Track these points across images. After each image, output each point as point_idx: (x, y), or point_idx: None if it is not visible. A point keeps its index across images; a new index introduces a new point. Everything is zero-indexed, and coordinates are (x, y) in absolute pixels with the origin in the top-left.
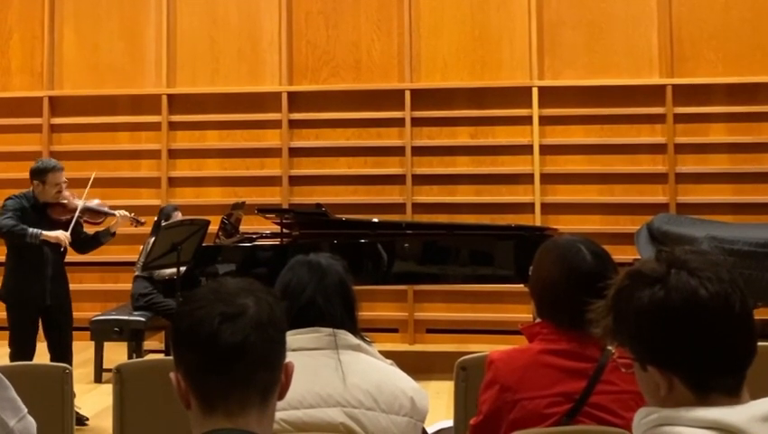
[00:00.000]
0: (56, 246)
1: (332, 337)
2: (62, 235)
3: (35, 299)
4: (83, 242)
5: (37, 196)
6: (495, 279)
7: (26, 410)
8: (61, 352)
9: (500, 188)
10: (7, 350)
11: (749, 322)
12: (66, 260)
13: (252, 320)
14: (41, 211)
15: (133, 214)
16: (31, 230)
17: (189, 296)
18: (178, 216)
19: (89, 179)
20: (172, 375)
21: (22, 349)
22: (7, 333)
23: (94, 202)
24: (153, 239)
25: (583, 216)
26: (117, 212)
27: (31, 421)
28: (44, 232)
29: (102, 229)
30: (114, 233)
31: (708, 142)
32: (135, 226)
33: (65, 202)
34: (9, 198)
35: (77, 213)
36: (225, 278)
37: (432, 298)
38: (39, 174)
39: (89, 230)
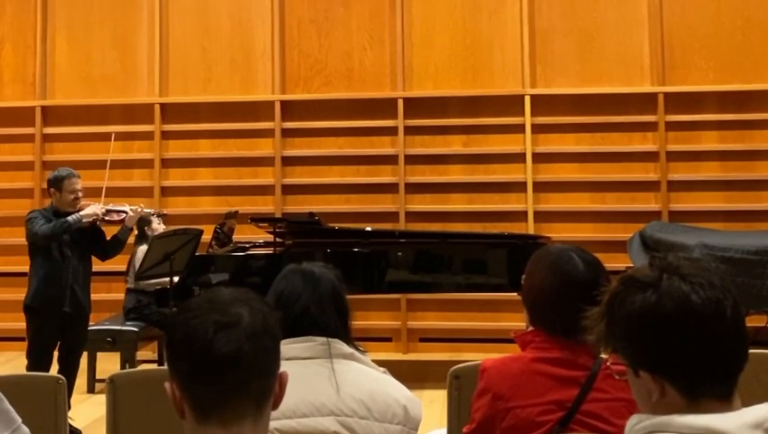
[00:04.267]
0: (84, 254)
1: (326, 346)
2: (97, 208)
3: (54, 306)
4: (106, 246)
5: (56, 206)
6: (488, 288)
7: (20, 420)
8: (70, 363)
9: (492, 196)
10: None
11: (741, 328)
12: None
13: (246, 330)
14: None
15: (153, 210)
16: (70, 218)
17: (183, 305)
18: (156, 221)
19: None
20: (166, 385)
21: (39, 361)
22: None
23: (112, 205)
24: (140, 248)
25: (575, 224)
26: (137, 208)
27: (25, 431)
28: (82, 214)
29: (119, 228)
30: (131, 229)
31: (700, 150)
32: (160, 219)
33: (85, 207)
34: (30, 212)
35: (99, 214)
36: (219, 287)
37: (425, 307)
38: (55, 182)
39: (110, 231)
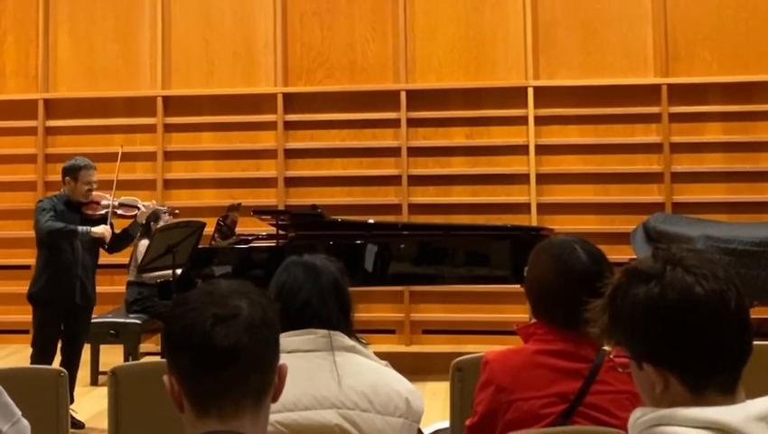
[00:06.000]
0: (92, 246)
1: (328, 339)
2: (106, 231)
3: (64, 298)
4: (114, 240)
5: (69, 195)
6: (491, 280)
7: (20, 413)
8: (74, 354)
9: (495, 188)
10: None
11: (745, 320)
12: None
13: (245, 322)
14: (74, 210)
15: (166, 207)
16: (80, 228)
17: (181, 298)
18: (166, 218)
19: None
20: (165, 378)
21: (45, 351)
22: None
23: (125, 199)
24: (143, 241)
25: (578, 216)
26: (148, 204)
27: (25, 425)
28: (92, 229)
29: (130, 223)
30: (142, 224)
31: (704, 141)
32: (172, 216)
33: (97, 200)
34: (41, 200)
35: (110, 208)
36: (218, 280)
37: (428, 299)
38: (71, 171)
39: (120, 225)
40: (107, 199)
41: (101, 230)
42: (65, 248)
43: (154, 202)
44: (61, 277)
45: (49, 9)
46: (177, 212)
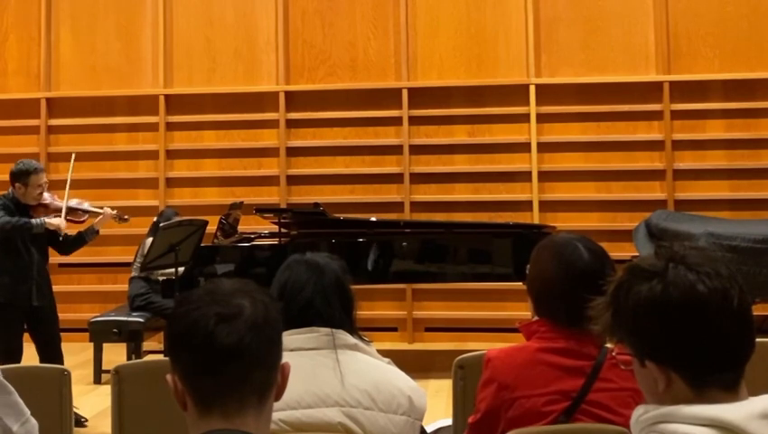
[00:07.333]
0: (44, 247)
1: (330, 337)
2: (63, 222)
3: (22, 300)
4: (67, 243)
5: (18, 198)
6: (493, 278)
7: (29, 412)
8: (53, 353)
9: (497, 186)
10: None
11: (747, 317)
12: (64, 262)
13: (248, 321)
14: (23, 212)
15: (116, 211)
16: (34, 220)
17: (184, 297)
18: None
19: (71, 160)
20: (168, 377)
21: (10, 352)
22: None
23: (75, 202)
24: (149, 240)
25: (580, 213)
26: (101, 210)
27: (33, 424)
28: (46, 220)
29: (86, 227)
30: (98, 231)
31: (706, 138)
32: (119, 223)
33: (47, 202)
34: None
35: (62, 214)
36: (220, 279)
37: (431, 297)
38: (21, 176)
39: (72, 229)
40: (57, 201)
41: (57, 221)
42: (20, 250)
43: (107, 208)
44: (18, 280)
45: (51, 7)
46: (126, 217)
